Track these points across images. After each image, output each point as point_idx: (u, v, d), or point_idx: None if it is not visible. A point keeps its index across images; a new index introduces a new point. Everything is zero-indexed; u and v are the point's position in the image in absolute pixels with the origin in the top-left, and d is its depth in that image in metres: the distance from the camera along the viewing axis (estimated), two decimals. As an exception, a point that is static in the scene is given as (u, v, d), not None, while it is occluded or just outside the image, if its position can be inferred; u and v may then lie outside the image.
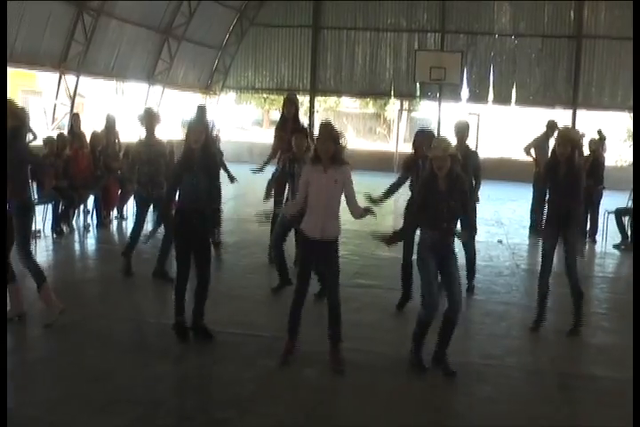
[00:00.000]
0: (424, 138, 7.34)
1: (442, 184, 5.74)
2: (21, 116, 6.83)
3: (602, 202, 12.62)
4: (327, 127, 5.83)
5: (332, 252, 5.90)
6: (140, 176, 8.61)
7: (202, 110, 9.59)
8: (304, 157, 7.59)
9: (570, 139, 6.97)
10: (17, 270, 6.73)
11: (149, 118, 8.70)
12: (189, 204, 6.36)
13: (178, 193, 6.55)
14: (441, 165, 5.69)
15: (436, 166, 5.71)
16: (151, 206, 8.88)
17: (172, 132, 14.06)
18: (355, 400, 5.36)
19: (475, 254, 8.64)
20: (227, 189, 8.29)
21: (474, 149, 8.66)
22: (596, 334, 7.41)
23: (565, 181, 6.91)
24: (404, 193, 7.83)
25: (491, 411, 5.29)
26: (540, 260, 7.37)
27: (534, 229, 12.48)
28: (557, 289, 7.67)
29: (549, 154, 7.72)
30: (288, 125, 9.03)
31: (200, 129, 6.35)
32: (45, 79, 25.78)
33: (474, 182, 8.22)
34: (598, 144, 12.78)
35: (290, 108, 9.20)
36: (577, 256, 7.14)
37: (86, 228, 11.76)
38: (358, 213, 5.84)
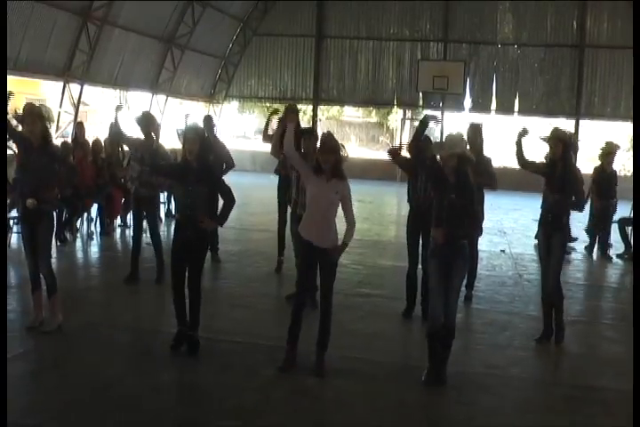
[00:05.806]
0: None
1: (450, 177, 5.82)
2: (48, 118, 6.76)
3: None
4: (328, 138, 5.92)
5: (328, 259, 5.91)
6: (142, 176, 8.51)
7: (208, 120, 9.39)
8: (312, 158, 7.53)
9: (559, 138, 6.97)
10: (21, 277, 6.72)
11: (147, 121, 8.64)
12: (184, 214, 6.27)
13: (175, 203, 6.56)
14: (446, 164, 5.81)
15: (443, 164, 5.86)
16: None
17: (172, 140, 14.07)
18: (357, 410, 5.34)
19: (476, 262, 8.58)
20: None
21: (486, 154, 8.51)
22: (601, 344, 7.40)
23: (561, 181, 6.89)
24: (405, 206, 7.89)
25: (493, 421, 5.26)
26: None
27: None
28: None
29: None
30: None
31: (194, 139, 6.18)
32: (49, 87, 25.84)
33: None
34: (608, 157, 12.38)
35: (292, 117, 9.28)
36: (557, 263, 7.00)
37: (90, 236, 11.78)
38: (348, 228, 5.92)
